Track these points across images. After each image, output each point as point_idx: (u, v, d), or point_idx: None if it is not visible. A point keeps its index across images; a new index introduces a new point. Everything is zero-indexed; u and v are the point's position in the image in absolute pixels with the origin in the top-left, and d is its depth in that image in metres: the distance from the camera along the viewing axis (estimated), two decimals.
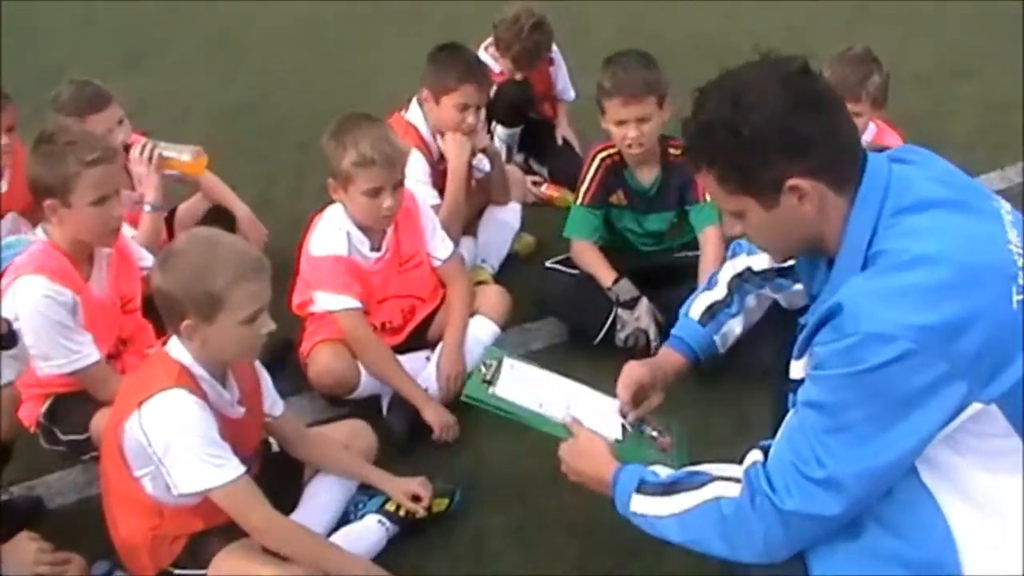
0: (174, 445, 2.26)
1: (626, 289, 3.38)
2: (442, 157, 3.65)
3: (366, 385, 3.11)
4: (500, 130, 4.52)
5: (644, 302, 3.36)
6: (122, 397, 2.40)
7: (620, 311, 3.36)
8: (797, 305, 2.32)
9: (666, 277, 3.47)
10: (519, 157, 4.73)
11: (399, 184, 3.04)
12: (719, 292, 2.46)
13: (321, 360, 3.06)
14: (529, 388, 2.34)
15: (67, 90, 3.41)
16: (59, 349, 2.76)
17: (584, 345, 3.45)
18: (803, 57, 1.79)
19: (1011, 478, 1.72)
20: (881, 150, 1.90)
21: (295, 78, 5.85)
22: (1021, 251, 1.71)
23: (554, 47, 4.59)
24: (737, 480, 1.81)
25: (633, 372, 2.38)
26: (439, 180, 3.62)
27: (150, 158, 3.41)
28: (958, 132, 5.10)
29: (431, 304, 3.32)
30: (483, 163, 3.78)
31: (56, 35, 6.62)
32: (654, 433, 2.36)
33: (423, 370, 3.19)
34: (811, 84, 1.75)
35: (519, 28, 4.26)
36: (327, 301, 3.04)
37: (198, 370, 2.34)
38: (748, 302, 2.44)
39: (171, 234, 3.78)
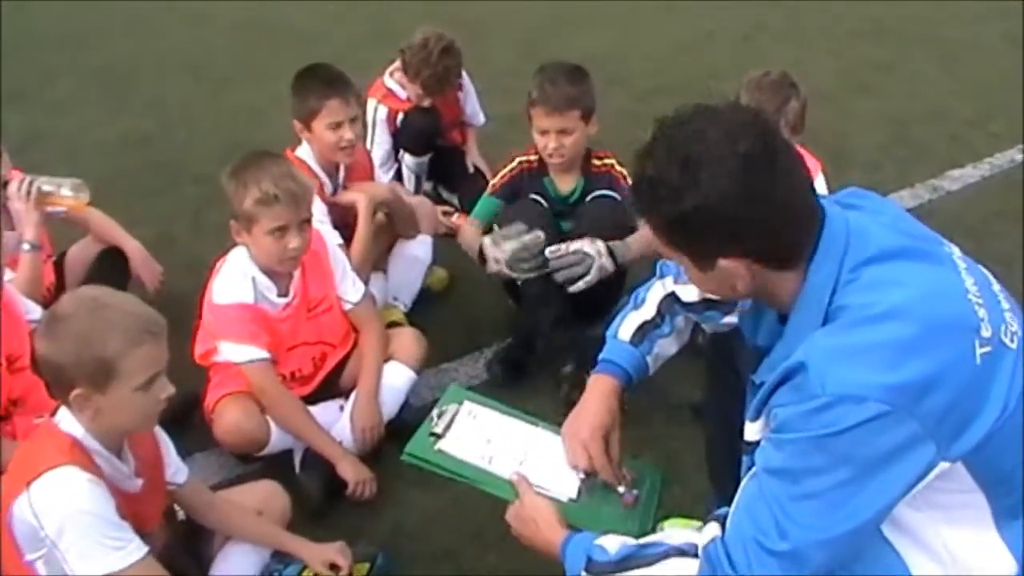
0: (68, 528, 2.06)
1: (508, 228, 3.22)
2: (335, 191, 3.51)
3: (277, 441, 2.92)
4: (408, 159, 4.39)
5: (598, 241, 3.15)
6: (10, 475, 2.18)
7: (583, 245, 3.15)
8: (721, 331, 2.24)
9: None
10: (428, 186, 4.60)
11: (305, 222, 2.89)
12: (648, 311, 2.33)
13: (228, 417, 2.87)
14: (481, 439, 2.17)
15: None
16: None
17: (505, 385, 3.32)
18: (763, 118, 1.70)
19: (975, 531, 1.66)
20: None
21: (186, 111, 5.62)
22: (979, 301, 1.65)
23: (463, 72, 4.48)
24: (694, 554, 1.70)
25: (585, 440, 2.16)
26: (336, 218, 3.46)
27: (28, 193, 3.17)
28: (863, 149, 5.17)
29: (343, 350, 3.15)
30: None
31: None
32: (620, 488, 2.16)
33: (336, 421, 3.03)
34: (768, 166, 1.61)
35: (428, 53, 4.11)
36: (232, 352, 2.87)
37: (91, 443, 2.14)
38: (678, 323, 2.32)
39: (61, 280, 3.56)
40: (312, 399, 3.07)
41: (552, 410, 2.76)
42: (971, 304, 1.64)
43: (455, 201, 4.55)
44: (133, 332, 2.07)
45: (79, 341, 2.04)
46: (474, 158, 4.62)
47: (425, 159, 4.41)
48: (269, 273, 2.92)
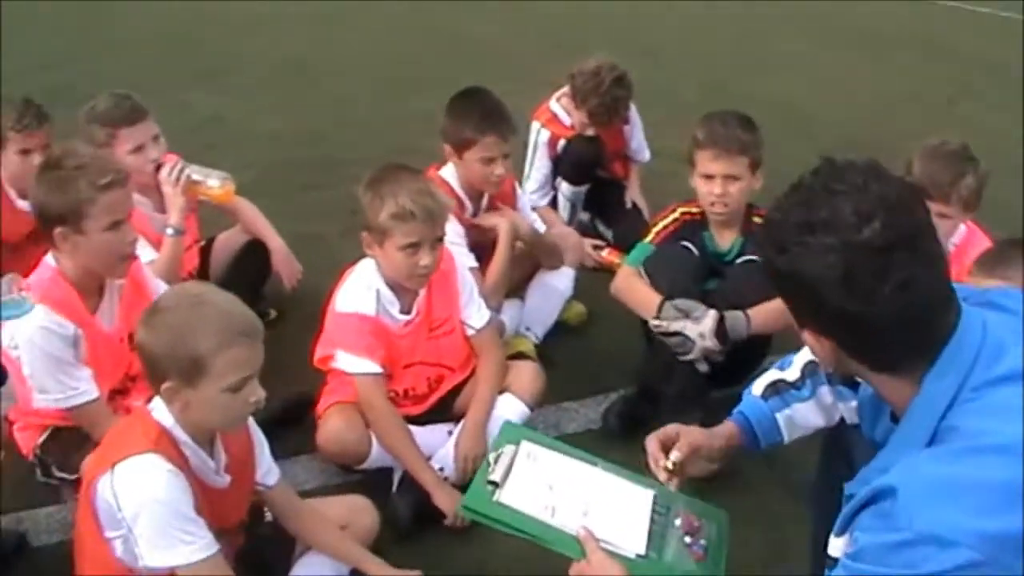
0: (143, 515, 2.07)
1: (685, 302, 3.03)
2: (475, 214, 3.45)
3: (377, 457, 2.88)
4: (565, 187, 4.31)
5: (712, 313, 2.97)
6: (100, 452, 2.21)
7: (685, 326, 2.97)
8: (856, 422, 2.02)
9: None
10: (584, 216, 4.50)
11: (438, 241, 2.83)
12: (791, 373, 2.17)
13: (331, 425, 2.85)
14: (543, 486, 2.04)
15: (104, 102, 3.29)
16: (54, 383, 2.62)
17: (620, 434, 3.19)
18: (913, 203, 1.47)
19: None
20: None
21: (361, 112, 5.72)
22: None
23: (631, 105, 4.36)
24: None
25: (669, 429, 2.12)
26: (473, 241, 3.40)
27: (177, 179, 3.25)
28: None
29: (461, 374, 3.08)
30: (536, 222, 3.55)
31: (132, 47, 6.59)
32: (687, 539, 2.02)
33: (442, 444, 2.96)
34: (883, 260, 1.42)
35: (599, 81, 4.03)
36: (346, 362, 2.83)
37: (180, 434, 2.14)
38: (822, 393, 2.13)
39: (205, 266, 3.65)
40: (423, 420, 3.01)
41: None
42: None
43: (608, 236, 4.43)
44: (228, 333, 2.05)
45: (174, 335, 2.04)
46: (634, 195, 4.49)
47: (582, 189, 4.32)
48: (395, 288, 2.88)
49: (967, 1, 9.22)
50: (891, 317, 1.43)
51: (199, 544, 2.09)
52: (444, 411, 3.06)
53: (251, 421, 2.42)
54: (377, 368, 2.82)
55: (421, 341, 2.96)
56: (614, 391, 3.44)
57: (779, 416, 2.14)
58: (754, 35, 7.09)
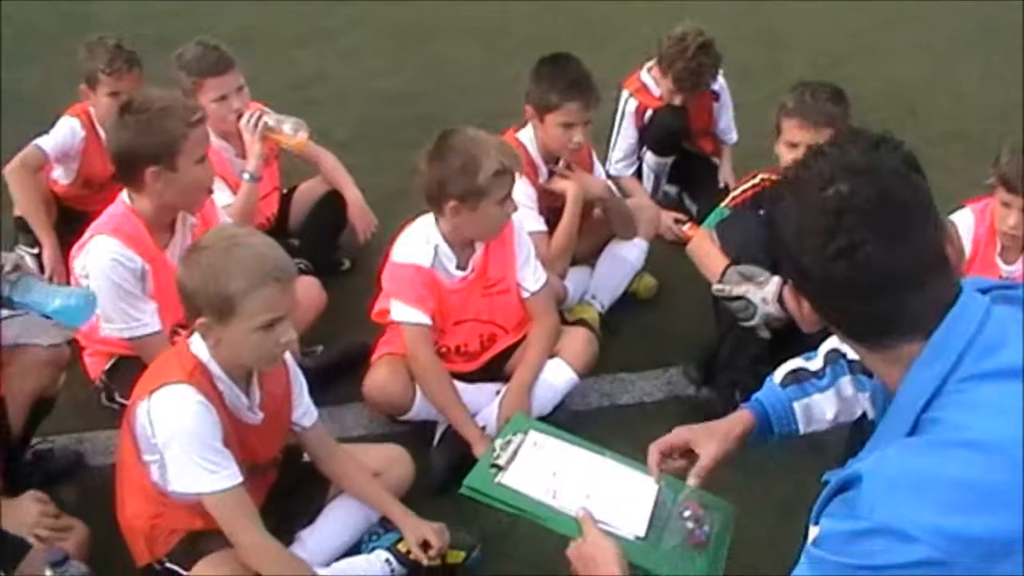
0: (173, 442, 2.18)
1: (749, 268, 2.98)
2: (550, 177, 3.45)
3: (420, 409, 2.93)
4: (650, 157, 4.25)
5: (775, 278, 2.89)
6: (143, 380, 2.32)
7: (748, 290, 2.93)
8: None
9: None
10: (672, 190, 4.44)
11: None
12: (814, 363, 2.11)
13: (377, 376, 2.91)
14: (546, 472, 2.04)
15: (192, 51, 3.39)
16: (120, 313, 2.75)
17: (674, 406, 3.17)
18: (906, 163, 1.42)
19: None
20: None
21: (464, 74, 5.72)
22: None
23: (722, 83, 4.29)
24: None
25: (674, 437, 2.05)
26: (544, 206, 3.40)
27: (256, 127, 3.35)
28: None
29: (515, 336, 3.09)
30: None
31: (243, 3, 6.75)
32: (690, 524, 2.00)
33: (488, 403, 2.98)
34: (867, 219, 1.36)
35: (684, 47, 3.98)
36: (398, 311, 2.88)
37: (215, 369, 2.23)
38: (842, 384, 2.07)
39: (286, 212, 3.75)
40: (473, 378, 3.05)
41: None
42: None
43: (694, 211, 4.35)
44: (259, 274, 2.12)
45: (208, 273, 2.13)
46: (727, 175, 4.38)
47: (667, 160, 4.26)
48: (453, 244, 2.92)
49: None
50: (840, 280, 1.39)
51: (223, 474, 2.19)
52: (494, 371, 3.09)
53: (292, 362, 2.50)
54: (426, 319, 2.86)
55: (475, 298, 2.98)
56: (674, 367, 3.40)
57: (796, 405, 2.07)
58: (877, 23, 6.81)
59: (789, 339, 2.93)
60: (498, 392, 3.01)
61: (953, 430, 1.33)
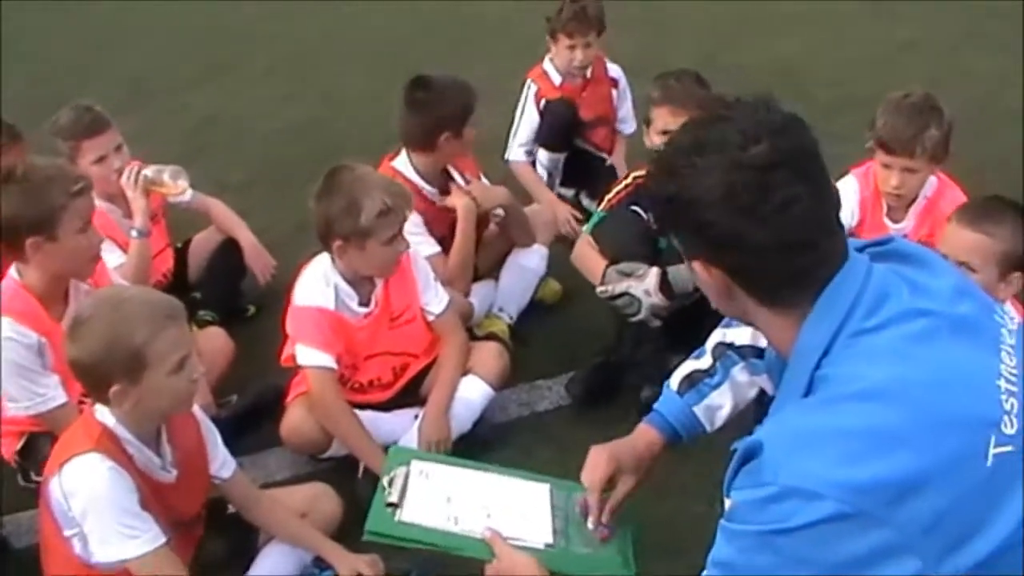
0: (89, 512, 2.17)
1: (627, 264, 3.06)
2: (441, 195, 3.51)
3: (340, 446, 2.95)
4: (542, 154, 4.35)
5: (654, 269, 2.99)
6: (53, 454, 2.30)
7: (630, 286, 3.00)
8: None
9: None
10: (568, 192, 4.51)
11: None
12: (704, 361, 2.17)
13: (293, 418, 2.93)
14: (441, 499, 2.05)
15: (66, 115, 3.38)
16: (23, 391, 2.73)
17: (593, 410, 3.22)
18: (798, 128, 1.47)
19: None
20: (875, 244, 1.59)
21: (353, 103, 5.73)
22: (1013, 388, 1.40)
23: (619, 70, 4.42)
24: None
25: (598, 457, 2.08)
26: (445, 224, 3.45)
27: (135, 181, 3.35)
28: None
29: (426, 359, 3.13)
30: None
31: (136, 44, 6.70)
32: (589, 524, 2.04)
33: (407, 430, 3.01)
34: (767, 178, 1.41)
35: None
36: (303, 355, 2.90)
37: (122, 432, 2.23)
38: (735, 374, 2.13)
39: (184, 267, 3.74)
40: (389, 405, 3.08)
41: None
42: (997, 391, 1.38)
43: (594, 210, 4.43)
44: (157, 318, 2.15)
45: (107, 337, 2.12)
46: (619, 165, 4.47)
47: (560, 157, 4.33)
48: (352, 282, 2.95)
49: None
50: (773, 237, 1.41)
51: (144, 537, 2.18)
52: (410, 397, 3.12)
53: (201, 414, 2.51)
54: (331, 362, 2.88)
55: (383, 332, 3.01)
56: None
57: (697, 409, 2.13)
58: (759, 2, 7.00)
59: (681, 321, 3.05)
60: (416, 416, 3.04)
61: (845, 383, 1.37)
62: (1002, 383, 1.40)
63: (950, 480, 1.30)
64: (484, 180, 3.68)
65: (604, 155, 4.49)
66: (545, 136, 4.28)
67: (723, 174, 1.42)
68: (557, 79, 4.27)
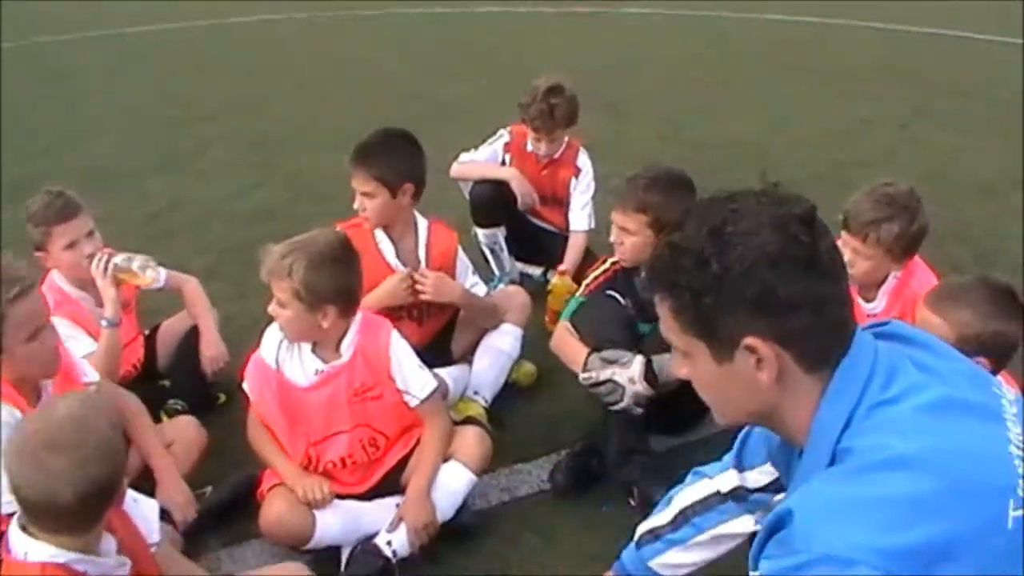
0: None
1: (611, 352, 3.04)
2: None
3: (322, 536, 2.87)
4: (478, 233, 4.45)
5: (638, 357, 2.98)
6: None
7: (614, 373, 2.99)
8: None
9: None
10: (536, 271, 4.61)
11: None
12: (665, 516, 2.28)
13: (272, 509, 2.85)
14: None
15: (39, 201, 3.34)
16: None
17: (570, 497, 3.19)
18: (810, 203, 1.51)
19: None
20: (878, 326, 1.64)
21: (318, 184, 5.74)
22: (1022, 452, 1.43)
23: (587, 164, 4.47)
24: None
25: None
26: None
27: (105, 270, 3.29)
28: (1016, 249, 4.73)
29: (405, 447, 3.05)
30: (476, 286, 3.65)
31: (98, 135, 6.68)
32: None
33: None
34: (809, 238, 1.45)
35: (535, 89, 4.30)
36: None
37: (68, 556, 2.03)
38: (710, 532, 2.20)
39: (153, 354, 3.67)
40: (371, 495, 3.01)
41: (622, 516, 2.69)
42: (1011, 458, 1.42)
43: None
44: None
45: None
46: (569, 263, 4.37)
47: (495, 231, 4.45)
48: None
49: (937, 27, 9.35)
50: (831, 300, 1.47)
51: None
52: (392, 486, 3.03)
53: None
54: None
55: (341, 404, 2.90)
56: (566, 450, 3.40)
57: (652, 564, 2.24)
58: (718, 79, 7.17)
59: (664, 406, 3.06)
60: (398, 505, 2.96)
61: (871, 452, 1.39)
62: (1013, 449, 1.44)
63: (979, 546, 1.33)
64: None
65: (557, 230, 4.55)
66: (473, 209, 4.43)
67: (771, 232, 1.44)
68: (529, 145, 4.40)
